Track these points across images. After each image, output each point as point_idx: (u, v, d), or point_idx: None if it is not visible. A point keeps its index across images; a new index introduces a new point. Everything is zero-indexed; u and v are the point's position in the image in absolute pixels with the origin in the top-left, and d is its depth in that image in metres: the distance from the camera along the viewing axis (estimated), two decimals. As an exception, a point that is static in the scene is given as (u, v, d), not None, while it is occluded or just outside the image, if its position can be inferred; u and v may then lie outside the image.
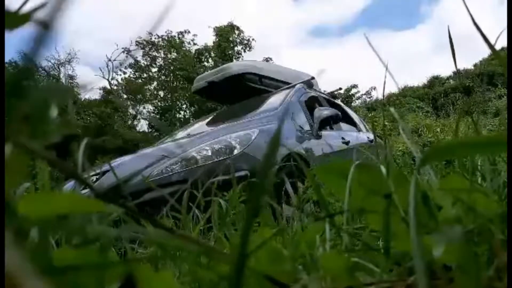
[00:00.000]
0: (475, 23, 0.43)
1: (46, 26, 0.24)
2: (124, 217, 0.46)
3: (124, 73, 19.60)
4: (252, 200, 0.25)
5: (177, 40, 19.42)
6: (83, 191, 0.94)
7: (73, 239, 0.32)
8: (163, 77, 19.61)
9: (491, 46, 0.42)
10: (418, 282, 0.28)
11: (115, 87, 19.76)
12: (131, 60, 19.21)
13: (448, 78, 21.89)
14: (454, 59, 0.62)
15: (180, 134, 4.18)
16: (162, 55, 19.48)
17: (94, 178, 2.50)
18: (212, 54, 19.48)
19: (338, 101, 5.54)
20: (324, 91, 5.27)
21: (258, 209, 0.25)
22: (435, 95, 19.96)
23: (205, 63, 19.32)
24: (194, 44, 19.76)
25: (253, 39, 19.82)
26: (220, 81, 4.72)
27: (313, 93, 4.32)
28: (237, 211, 1.00)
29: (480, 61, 21.31)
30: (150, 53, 19.35)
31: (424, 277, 0.27)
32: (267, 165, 0.25)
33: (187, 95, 18.13)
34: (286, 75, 5.04)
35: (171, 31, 19.30)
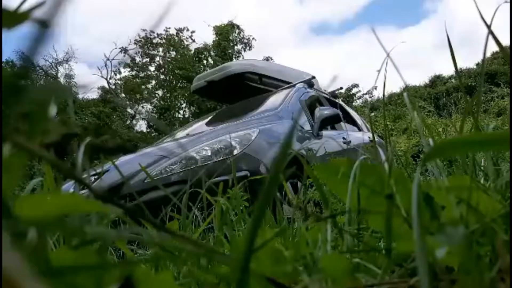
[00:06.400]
0: (484, 21, 0.43)
1: (44, 25, 0.23)
2: (124, 218, 0.46)
3: (120, 72, 19.57)
4: (260, 201, 0.24)
5: (176, 39, 19.38)
6: (82, 191, 0.94)
7: (72, 240, 0.32)
8: (162, 76, 19.59)
9: (499, 44, 0.42)
10: (420, 283, 0.27)
11: (113, 87, 19.74)
12: (129, 59, 19.17)
13: (450, 77, 21.85)
14: (454, 61, 0.61)
15: (180, 134, 4.18)
16: (161, 54, 19.45)
17: (93, 178, 2.49)
18: (212, 53, 19.45)
19: (339, 101, 5.54)
20: (325, 90, 5.27)
21: (265, 209, 0.24)
22: (437, 95, 19.95)
23: (205, 62, 19.29)
24: (193, 40, 19.73)
25: (253, 38, 19.80)
26: (220, 81, 4.71)
27: (313, 93, 4.31)
28: (238, 211, 1.00)
29: (482, 60, 21.24)
30: (149, 52, 19.32)
31: (426, 278, 0.27)
32: (278, 169, 0.25)
33: (186, 94, 18.11)
34: (286, 75, 5.03)
35: (169, 28, 19.27)
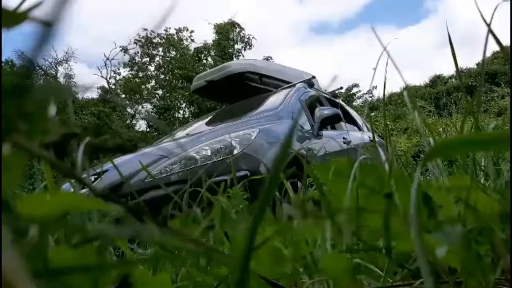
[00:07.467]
0: (484, 20, 0.43)
1: (46, 25, 0.23)
2: (124, 217, 0.46)
3: (119, 73, 19.54)
4: (260, 200, 0.24)
5: (176, 38, 19.34)
6: (82, 191, 0.94)
7: (73, 238, 0.32)
8: (162, 76, 19.56)
9: (499, 43, 0.42)
10: (425, 286, 0.27)
11: (113, 86, 19.71)
12: (129, 59, 19.14)
13: (451, 77, 21.83)
14: (455, 60, 0.61)
15: (179, 133, 4.18)
16: (161, 53, 19.43)
17: (93, 178, 2.49)
18: (212, 53, 19.41)
19: (339, 101, 5.54)
20: (325, 90, 5.26)
21: (265, 208, 0.24)
22: (438, 95, 19.96)
23: (205, 62, 19.25)
24: (192, 40, 19.68)
25: (253, 37, 19.77)
26: (220, 80, 4.71)
27: (313, 92, 4.31)
28: (238, 211, 1.00)
29: (482, 60, 21.31)
30: (149, 51, 19.29)
31: (430, 280, 0.27)
32: (278, 168, 0.24)
33: (186, 94, 18.08)
34: (286, 74, 5.03)
35: (169, 28, 19.23)
